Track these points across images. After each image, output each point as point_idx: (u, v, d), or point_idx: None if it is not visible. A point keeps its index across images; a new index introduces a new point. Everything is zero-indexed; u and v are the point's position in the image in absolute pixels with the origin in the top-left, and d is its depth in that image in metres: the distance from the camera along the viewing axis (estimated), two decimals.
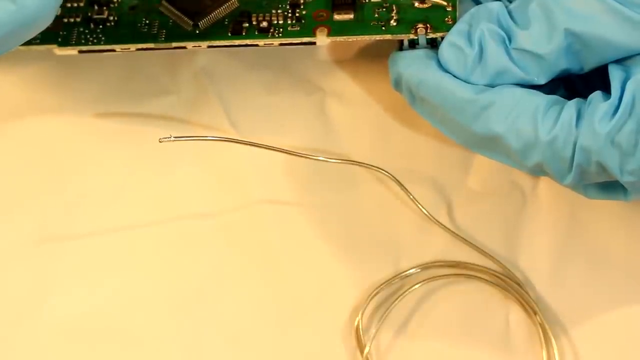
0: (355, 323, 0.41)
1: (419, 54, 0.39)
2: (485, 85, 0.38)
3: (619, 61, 0.37)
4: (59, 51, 0.42)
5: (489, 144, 0.38)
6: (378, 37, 0.41)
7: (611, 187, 0.39)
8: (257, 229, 0.43)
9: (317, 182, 0.44)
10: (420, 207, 0.43)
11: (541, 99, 0.37)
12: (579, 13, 0.36)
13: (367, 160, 0.43)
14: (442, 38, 0.39)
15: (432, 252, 0.43)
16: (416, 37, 0.40)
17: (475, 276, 0.42)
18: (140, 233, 0.43)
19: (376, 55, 0.46)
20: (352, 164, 0.43)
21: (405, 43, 0.40)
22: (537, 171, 0.38)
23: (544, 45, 0.37)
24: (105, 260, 0.42)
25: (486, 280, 0.42)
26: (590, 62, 0.37)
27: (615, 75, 0.36)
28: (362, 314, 0.41)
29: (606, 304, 0.42)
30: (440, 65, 0.38)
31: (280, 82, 0.45)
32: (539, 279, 0.42)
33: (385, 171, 0.43)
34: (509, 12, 0.38)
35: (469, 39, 0.38)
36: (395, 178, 0.43)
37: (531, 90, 0.37)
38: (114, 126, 0.45)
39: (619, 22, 0.36)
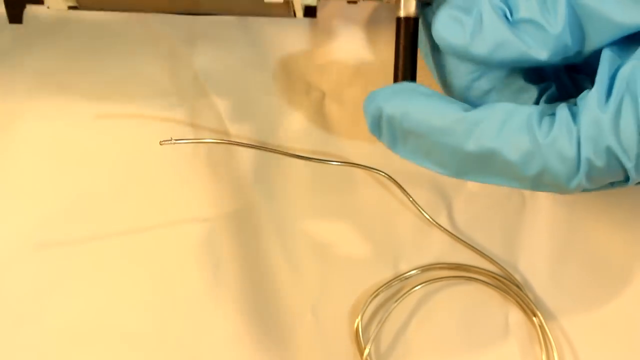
0: (355, 325, 0.41)
1: (400, 88, 0.38)
2: (486, 57, 0.36)
3: (609, 51, 0.36)
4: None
5: (484, 164, 0.36)
6: None
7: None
8: (257, 230, 0.43)
9: (317, 184, 0.44)
10: (420, 209, 0.43)
11: (532, 108, 0.36)
12: None
13: (367, 162, 0.43)
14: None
15: (432, 254, 0.43)
16: None
17: (475, 278, 0.42)
18: (140, 235, 0.43)
19: (376, 56, 0.46)
20: (352, 166, 0.43)
21: None
22: (538, 182, 0.36)
23: (545, 14, 0.36)
24: (104, 263, 0.42)
25: (486, 282, 0.42)
26: (591, 41, 0.36)
27: (604, 62, 0.36)
28: (362, 316, 0.41)
29: (605, 305, 0.42)
30: (424, 94, 0.37)
31: (280, 84, 0.46)
32: (538, 280, 0.42)
33: (385, 173, 0.43)
34: None
35: (466, 11, 0.37)
36: (395, 180, 0.43)
37: (519, 104, 0.36)
38: (114, 128, 0.45)
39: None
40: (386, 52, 0.46)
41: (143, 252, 0.42)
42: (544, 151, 0.35)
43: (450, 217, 0.43)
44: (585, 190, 0.36)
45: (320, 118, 0.45)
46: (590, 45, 0.36)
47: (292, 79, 0.46)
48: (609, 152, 0.34)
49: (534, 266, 0.42)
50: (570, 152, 0.35)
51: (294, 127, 0.45)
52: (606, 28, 0.36)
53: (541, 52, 0.36)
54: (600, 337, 0.41)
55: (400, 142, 0.37)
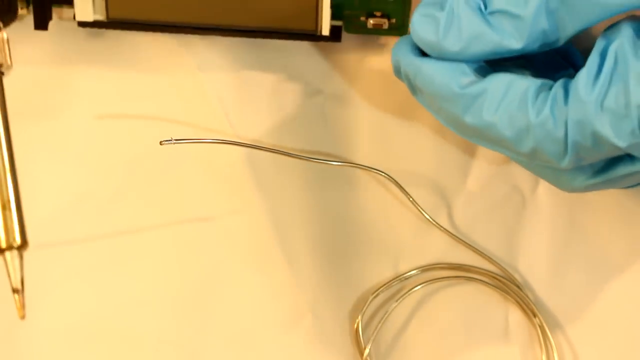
0: (355, 325, 0.41)
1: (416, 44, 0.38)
2: (459, 52, 0.36)
3: (602, 35, 0.35)
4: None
5: (482, 135, 0.37)
6: None
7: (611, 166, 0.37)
8: (257, 230, 0.43)
9: (317, 185, 0.44)
10: (420, 209, 0.43)
11: (531, 82, 0.36)
12: None
13: (367, 162, 0.43)
14: None
15: (432, 255, 0.43)
16: None
17: (475, 278, 0.42)
18: (140, 235, 0.43)
19: (376, 58, 0.46)
20: (352, 166, 0.43)
21: None
22: (533, 158, 0.36)
23: (519, 2, 0.36)
24: (104, 263, 0.42)
25: (486, 282, 0.42)
26: (568, 25, 0.36)
27: (596, 46, 0.35)
28: (362, 316, 0.41)
29: (605, 305, 0.42)
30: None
31: (280, 84, 0.45)
32: (538, 281, 0.42)
33: (385, 173, 0.43)
34: None
35: (441, 7, 0.37)
36: (395, 180, 0.43)
37: (522, 75, 0.36)
38: (114, 128, 0.45)
39: None
40: (389, 52, 0.46)
41: (143, 252, 0.42)
42: (535, 130, 0.35)
43: (450, 217, 0.43)
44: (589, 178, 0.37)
45: (321, 118, 0.45)
46: (571, 28, 0.36)
47: (293, 80, 0.46)
48: (595, 135, 0.34)
49: (534, 266, 0.42)
50: (559, 133, 0.35)
51: (295, 127, 0.45)
52: (585, 10, 0.35)
53: (516, 42, 0.36)
54: (600, 337, 0.41)
55: (417, 93, 0.38)
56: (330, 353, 0.41)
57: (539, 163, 0.37)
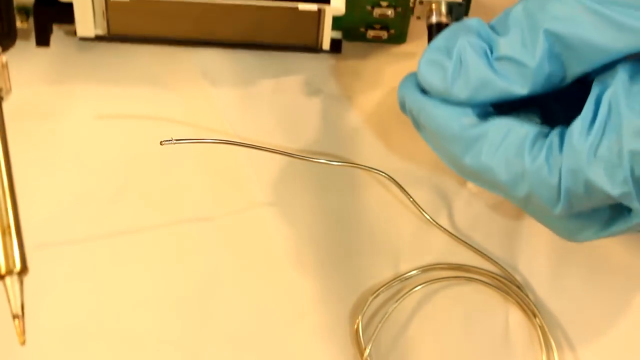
0: (355, 325, 0.41)
1: None
2: (467, 99, 0.37)
3: (598, 79, 0.36)
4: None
5: (479, 177, 0.38)
6: None
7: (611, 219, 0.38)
8: (257, 231, 0.43)
9: (318, 185, 0.44)
10: (421, 209, 0.43)
11: (530, 129, 0.36)
12: (559, 15, 0.36)
13: (368, 163, 0.43)
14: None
15: (432, 255, 0.43)
16: None
17: (475, 279, 0.42)
18: (140, 235, 0.43)
19: (376, 58, 0.46)
20: (353, 166, 0.43)
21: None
22: (527, 203, 0.37)
23: (524, 50, 0.36)
24: (104, 263, 0.42)
25: (486, 282, 0.42)
26: (574, 68, 0.37)
27: (592, 92, 0.36)
28: (362, 316, 0.41)
29: (606, 306, 0.42)
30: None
31: (281, 84, 0.46)
32: (538, 281, 0.42)
33: (386, 174, 0.43)
34: (490, 27, 0.38)
35: (448, 53, 0.37)
36: (395, 181, 0.43)
37: (522, 120, 0.37)
38: (114, 128, 0.45)
39: (598, 22, 0.35)
40: (389, 54, 0.46)
41: (143, 252, 0.42)
42: (530, 177, 0.36)
43: (451, 217, 0.43)
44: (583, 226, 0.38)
45: (321, 118, 0.45)
46: (575, 71, 0.37)
47: (293, 80, 0.46)
48: (588, 183, 0.35)
49: (534, 267, 0.42)
50: (553, 180, 0.35)
51: (295, 127, 0.45)
52: (588, 54, 0.36)
53: (522, 88, 0.37)
54: (600, 338, 0.41)
55: (421, 129, 0.39)
56: (331, 353, 0.41)
57: (535, 209, 0.38)
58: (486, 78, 0.37)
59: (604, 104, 0.35)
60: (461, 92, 0.37)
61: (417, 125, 0.39)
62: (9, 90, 0.36)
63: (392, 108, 0.44)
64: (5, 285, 0.31)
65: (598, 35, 0.35)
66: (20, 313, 0.31)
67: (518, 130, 0.37)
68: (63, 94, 0.45)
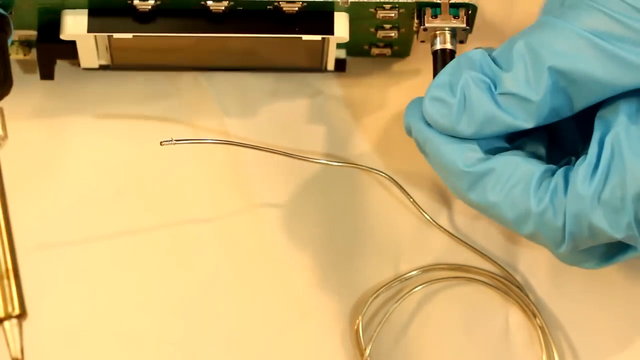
0: (356, 325, 0.41)
1: None
2: (473, 135, 0.37)
3: (601, 115, 0.36)
4: None
5: (484, 211, 0.37)
6: None
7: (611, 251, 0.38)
8: (258, 231, 0.43)
9: (318, 185, 0.44)
10: (421, 210, 0.43)
11: (536, 168, 0.36)
12: (563, 50, 0.35)
13: (368, 163, 0.43)
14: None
15: (432, 255, 0.43)
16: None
17: (475, 279, 0.42)
18: (141, 236, 0.43)
19: (376, 59, 0.46)
20: (353, 167, 0.43)
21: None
22: (532, 239, 0.37)
23: (529, 86, 0.36)
24: (104, 264, 0.42)
25: (486, 283, 0.42)
26: (578, 101, 0.36)
27: (595, 132, 0.36)
28: (362, 317, 0.41)
29: (606, 306, 0.42)
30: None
31: (281, 84, 0.45)
32: (539, 281, 0.42)
33: (386, 174, 0.43)
34: (493, 59, 0.37)
35: (451, 89, 0.37)
36: (395, 181, 0.43)
37: (528, 158, 0.37)
38: (114, 128, 0.44)
39: (602, 58, 0.35)
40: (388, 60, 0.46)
41: (143, 253, 0.42)
42: (535, 218, 0.36)
43: (451, 217, 0.43)
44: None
45: (321, 118, 0.45)
46: (579, 104, 0.37)
47: (293, 80, 0.46)
48: (592, 227, 0.35)
49: (534, 267, 0.42)
50: (558, 222, 0.36)
51: (295, 127, 0.45)
52: (593, 89, 0.36)
53: (527, 123, 0.37)
54: (600, 338, 0.41)
55: (426, 156, 0.39)
56: (331, 354, 0.41)
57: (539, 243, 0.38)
58: (491, 113, 0.37)
59: (606, 148, 0.35)
60: (466, 128, 0.37)
61: (423, 152, 0.39)
62: (5, 137, 0.36)
63: (392, 108, 0.45)
64: (4, 329, 0.31)
65: (602, 71, 0.35)
66: (19, 357, 0.31)
67: (524, 168, 0.36)
68: (63, 95, 0.45)
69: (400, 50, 0.44)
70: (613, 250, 0.38)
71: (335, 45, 0.42)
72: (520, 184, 0.36)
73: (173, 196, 0.43)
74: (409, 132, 0.39)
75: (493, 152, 0.37)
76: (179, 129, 0.44)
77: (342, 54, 0.44)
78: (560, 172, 0.36)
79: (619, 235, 0.35)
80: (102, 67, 0.44)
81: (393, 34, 0.43)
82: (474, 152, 0.37)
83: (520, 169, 0.36)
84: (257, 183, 0.44)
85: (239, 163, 0.44)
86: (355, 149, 0.44)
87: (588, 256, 0.38)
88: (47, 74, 0.44)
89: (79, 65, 0.44)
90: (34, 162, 0.44)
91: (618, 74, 0.35)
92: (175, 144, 0.40)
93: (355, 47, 0.44)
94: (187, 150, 0.43)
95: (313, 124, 0.45)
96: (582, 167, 0.35)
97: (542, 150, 0.38)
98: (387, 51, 0.44)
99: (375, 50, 0.44)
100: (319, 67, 0.44)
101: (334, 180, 0.44)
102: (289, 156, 0.42)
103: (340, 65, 0.44)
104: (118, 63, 0.43)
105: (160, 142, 0.40)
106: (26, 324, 0.41)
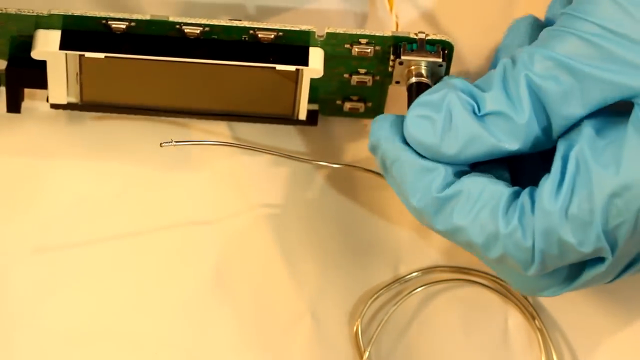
0: (355, 328, 0.41)
1: (401, 125, 0.38)
2: (455, 155, 0.36)
3: (563, 136, 0.36)
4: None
5: (452, 237, 0.37)
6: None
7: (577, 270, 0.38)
8: (257, 232, 0.43)
9: (317, 186, 0.44)
10: None
11: (502, 190, 0.36)
12: (538, 72, 0.36)
13: (367, 164, 0.43)
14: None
15: (432, 257, 0.43)
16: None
17: (475, 281, 0.42)
18: (140, 238, 0.43)
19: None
20: (352, 167, 0.43)
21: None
22: (501, 264, 0.37)
23: (511, 104, 0.36)
24: (104, 265, 0.42)
25: (485, 285, 0.42)
26: (556, 125, 0.36)
27: (558, 150, 0.36)
28: (362, 319, 0.41)
29: (605, 308, 0.42)
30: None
31: None
32: None
33: None
34: (475, 85, 0.37)
35: (436, 108, 0.37)
36: None
37: (495, 180, 0.36)
38: (114, 129, 0.44)
39: (576, 78, 0.35)
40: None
41: (143, 255, 0.42)
42: (504, 240, 0.35)
43: None
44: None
45: (321, 120, 0.45)
46: (557, 130, 0.36)
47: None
48: (561, 243, 0.35)
49: None
50: (527, 243, 0.35)
51: (294, 128, 0.45)
52: (569, 106, 0.36)
53: (512, 144, 0.36)
54: (600, 340, 0.41)
55: (388, 177, 0.38)
56: (330, 356, 0.41)
57: (504, 269, 0.38)
58: (476, 133, 0.36)
59: (571, 162, 0.35)
60: (450, 147, 0.36)
61: (386, 172, 0.38)
62: None
63: (392, 108, 0.45)
64: None
65: (575, 88, 0.35)
66: None
67: (492, 189, 0.36)
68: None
69: (373, 106, 0.44)
70: (574, 273, 0.37)
71: (308, 84, 0.42)
72: (488, 206, 0.36)
73: (173, 198, 0.43)
74: (374, 150, 0.38)
75: (458, 176, 0.37)
76: (179, 130, 0.44)
77: (314, 107, 0.44)
78: (525, 192, 0.36)
79: (587, 249, 0.35)
80: (71, 106, 0.43)
81: (367, 80, 0.42)
82: (441, 177, 0.36)
83: (487, 191, 0.36)
84: (256, 184, 0.44)
85: (238, 164, 0.44)
86: (355, 150, 0.44)
87: (550, 280, 0.38)
88: (13, 105, 0.43)
89: (47, 100, 0.43)
90: (33, 162, 0.44)
91: (592, 92, 0.35)
92: (175, 145, 0.40)
93: (328, 102, 0.44)
94: (186, 152, 0.43)
95: (313, 125, 0.45)
96: (547, 183, 0.35)
97: (506, 175, 0.38)
98: (361, 106, 0.44)
99: (347, 105, 0.44)
100: (290, 116, 0.44)
101: (334, 182, 0.44)
102: (289, 157, 0.42)
103: (312, 117, 0.44)
104: (87, 100, 0.43)
105: (160, 144, 0.40)
106: (26, 326, 0.41)
